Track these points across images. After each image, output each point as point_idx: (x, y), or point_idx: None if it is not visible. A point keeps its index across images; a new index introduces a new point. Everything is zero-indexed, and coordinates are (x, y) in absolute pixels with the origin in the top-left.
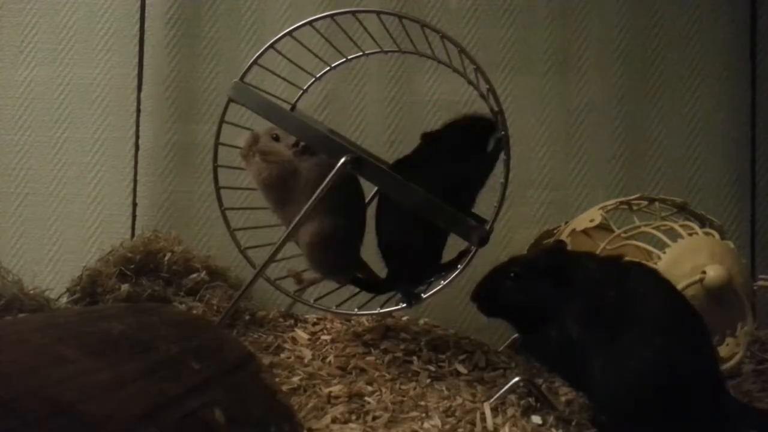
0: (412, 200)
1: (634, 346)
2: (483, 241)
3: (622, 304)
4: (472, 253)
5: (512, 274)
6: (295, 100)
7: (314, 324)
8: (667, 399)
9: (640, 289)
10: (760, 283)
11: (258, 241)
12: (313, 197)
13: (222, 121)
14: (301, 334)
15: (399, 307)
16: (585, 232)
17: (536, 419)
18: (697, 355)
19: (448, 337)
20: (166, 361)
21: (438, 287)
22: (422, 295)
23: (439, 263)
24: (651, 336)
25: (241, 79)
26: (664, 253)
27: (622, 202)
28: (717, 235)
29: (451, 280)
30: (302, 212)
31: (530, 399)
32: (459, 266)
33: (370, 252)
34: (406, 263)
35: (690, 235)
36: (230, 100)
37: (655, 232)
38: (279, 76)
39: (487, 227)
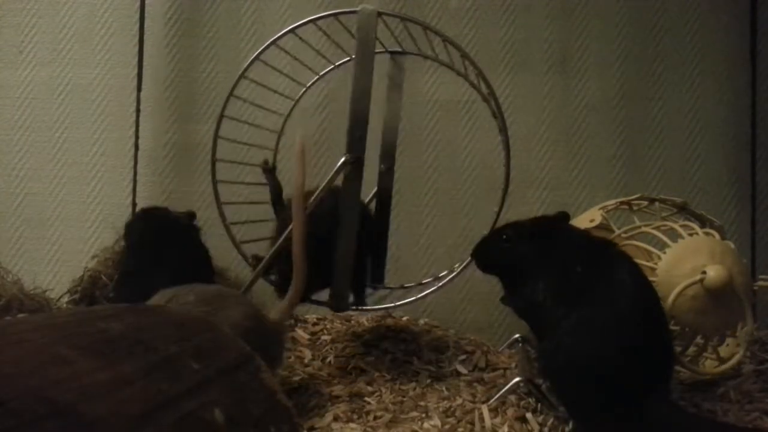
0: (342, 235)
1: (581, 325)
2: (340, 309)
3: (584, 282)
4: (464, 264)
5: (504, 237)
6: (297, 97)
7: (314, 324)
8: (597, 383)
9: (608, 272)
10: (761, 283)
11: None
12: (315, 194)
13: (222, 115)
14: (302, 334)
15: (396, 304)
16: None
17: (536, 420)
18: (640, 349)
19: (448, 338)
20: (165, 361)
21: (431, 289)
22: (351, 304)
23: (324, 279)
24: (599, 319)
25: (245, 72)
26: (665, 253)
27: (622, 202)
28: (717, 236)
29: (442, 285)
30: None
31: (530, 399)
32: (455, 270)
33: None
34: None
35: (690, 235)
36: (351, 12)
37: (655, 232)
38: (281, 72)
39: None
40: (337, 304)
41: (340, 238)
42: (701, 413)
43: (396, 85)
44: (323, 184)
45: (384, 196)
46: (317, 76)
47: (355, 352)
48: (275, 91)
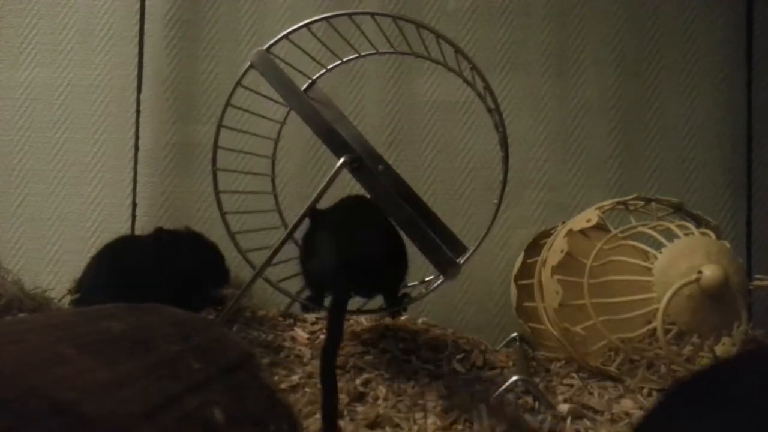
0: (397, 216)
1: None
2: (453, 275)
3: None
4: (463, 260)
5: None
6: (303, 88)
7: (313, 323)
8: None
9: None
10: (757, 282)
11: (256, 244)
12: (314, 197)
13: (220, 124)
14: (301, 334)
15: (397, 307)
16: (582, 232)
17: (534, 418)
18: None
19: (446, 337)
20: (165, 360)
21: (432, 288)
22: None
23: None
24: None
25: (241, 80)
26: (661, 252)
27: (618, 203)
28: (713, 235)
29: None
30: (301, 214)
31: (528, 398)
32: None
33: None
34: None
35: (686, 235)
36: (250, 67)
37: (651, 232)
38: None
39: (462, 262)
40: (445, 271)
41: (394, 218)
42: None
43: (326, 106)
44: (324, 183)
45: (401, 189)
46: (310, 81)
47: (353, 351)
48: (270, 98)
